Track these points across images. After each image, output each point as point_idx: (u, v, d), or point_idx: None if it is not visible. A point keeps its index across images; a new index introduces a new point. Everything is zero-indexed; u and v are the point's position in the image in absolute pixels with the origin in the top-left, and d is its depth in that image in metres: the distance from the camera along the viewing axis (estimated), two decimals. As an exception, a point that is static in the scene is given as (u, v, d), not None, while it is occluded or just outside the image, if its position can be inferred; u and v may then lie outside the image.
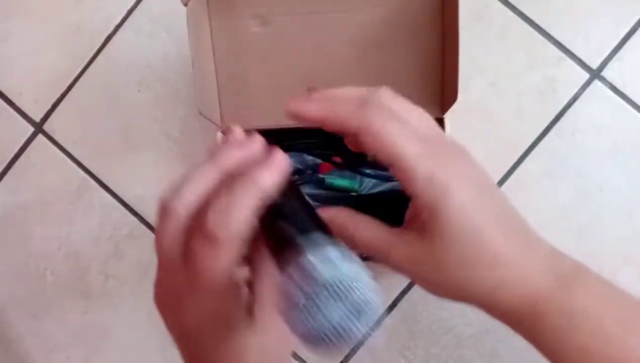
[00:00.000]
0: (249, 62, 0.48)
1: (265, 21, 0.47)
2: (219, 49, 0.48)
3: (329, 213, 0.27)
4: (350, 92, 0.28)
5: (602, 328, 0.26)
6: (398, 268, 0.27)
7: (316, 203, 0.48)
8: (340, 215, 0.28)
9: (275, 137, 0.49)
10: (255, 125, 0.49)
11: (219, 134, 0.48)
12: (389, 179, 0.48)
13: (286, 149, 0.47)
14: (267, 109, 0.48)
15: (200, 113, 0.45)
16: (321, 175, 0.47)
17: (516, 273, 0.26)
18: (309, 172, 0.49)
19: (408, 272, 0.27)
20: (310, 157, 0.49)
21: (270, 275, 0.28)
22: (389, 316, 0.54)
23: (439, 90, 0.47)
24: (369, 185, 0.48)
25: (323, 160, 0.49)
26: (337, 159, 0.49)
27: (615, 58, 0.53)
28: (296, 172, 0.48)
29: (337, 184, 0.46)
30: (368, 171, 0.48)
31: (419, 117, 0.27)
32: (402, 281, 0.54)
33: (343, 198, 0.46)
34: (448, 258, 0.26)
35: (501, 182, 0.54)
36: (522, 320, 0.28)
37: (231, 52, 0.48)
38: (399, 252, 0.26)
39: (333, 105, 0.27)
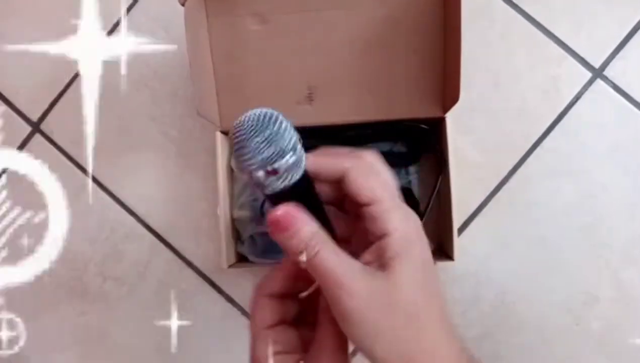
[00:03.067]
0: (248, 61, 0.48)
1: (263, 19, 0.47)
2: (217, 47, 0.48)
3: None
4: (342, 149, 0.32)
5: None
6: (340, 299, 0.29)
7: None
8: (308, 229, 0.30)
9: None
10: None
11: (218, 134, 0.48)
12: None
13: None
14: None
15: (199, 113, 0.45)
16: None
17: (422, 356, 0.30)
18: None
19: (345, 302, 0.29)
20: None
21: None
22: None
23: (441, 90, 0.47)
24: None
25: None
26: None
27: (617, 57, 0.53)
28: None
29: None
30: None
31: (393, 178, 0.32)
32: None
33: None
34: (396, 299, 0.29)
35: (504, 181, 0.53)
36: None
37: (229, 51, 0.48)
38: (355, 282, 0.29)
39: (329, 155, 0.31)
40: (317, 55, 0.47)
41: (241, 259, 0.52)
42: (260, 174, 0.28)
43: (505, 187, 0.53)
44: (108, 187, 0.58)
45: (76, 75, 0.59)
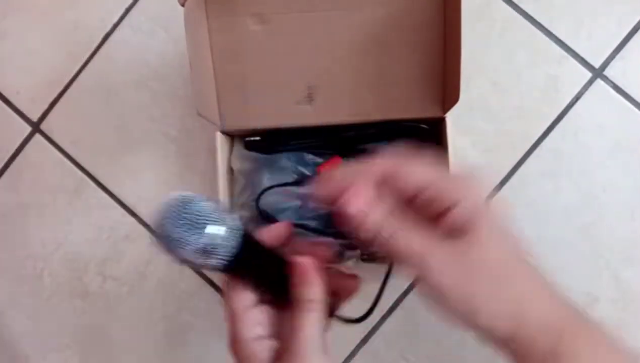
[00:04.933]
0: (248, 61, 0.48)
1: (263, 19, 0.47)
2: (217, 47, 0.48)
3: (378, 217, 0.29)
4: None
5: None
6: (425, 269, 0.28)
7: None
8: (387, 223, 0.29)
9: (274, 137, 0.49)
10: (255, 125, 0.48)
11: (218, 134, 0.48)
12: None
13: (286, 149, 0.46)
14: (266, 108, 0.48)
15: (198, 113, 0.45)
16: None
17: (530, 313, 0.29)
18: (309, 174, 0.48)
19: (431, 271, 0.28)
20: (310, 156, 0.49)
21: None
22: (389, 318, 0.54)
23: (441, 90, 0.47)
24: None
25: (323, 159, 0.48)
26: (338, 159, 0.48)
27: (617, 57, 0.53)
28: (299, 178, 0.48)
29: None
30: None
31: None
32: (402, 282, 0.54)
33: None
34: (486, 260, 0.28)
35: (504, 182, 0.53)
36: (514, 353, 0.30)
37: (229, 51, 0.48)
38: (439, 257, 0.28)
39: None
40: (317, 55, 0.47)
41: None
42: (190, 257, 0.28)
43: (505, 187, 0.53)
44: (108, 187, 0.58)
45: (76, 75, 0.59)
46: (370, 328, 0.54)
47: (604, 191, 0.53)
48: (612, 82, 0.53)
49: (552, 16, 0.54)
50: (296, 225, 0.47)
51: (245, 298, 0.33)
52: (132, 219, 0.57)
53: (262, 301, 0.33)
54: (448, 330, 0.54)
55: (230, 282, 0.33)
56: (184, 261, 0.28)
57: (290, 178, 0.48)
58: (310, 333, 0.31)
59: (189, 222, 0.27)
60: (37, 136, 0.59)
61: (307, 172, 0.49)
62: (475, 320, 0.28)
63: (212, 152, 0.56)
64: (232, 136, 0.51)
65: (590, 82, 0.53)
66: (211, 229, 0.27)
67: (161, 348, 0.57)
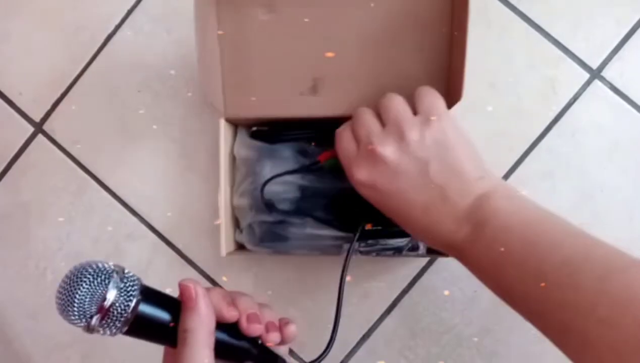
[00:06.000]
0: (254, 50, 0.48)
1: (273, 9, 0.47)
2: (225, 35, 0.48)
3: None
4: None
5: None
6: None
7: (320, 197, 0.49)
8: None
9: (278, 127, 0.49)
10: (258, 114, 0.48)
11: (222, 121, 0.48)
12: None
13: (289, 139, 0.46)
14: (271, 98, 0.48)
15: (206, 99, 0.45)
16: (322, 163, 0.48)
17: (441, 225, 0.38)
18: (309, 162, 0.49)
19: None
20: (312, 147, 0.50)
21: None
22: (389, 316, 0.55)
23: (445, 87, 0.47)
24: None
25: (323, 149, 0.49)
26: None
27: (615, 58, 0.53)
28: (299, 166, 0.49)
29: (335, 166, 0.47)
30: None
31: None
32: (403, 281, 0.54)
33: (344, 189, 0.46)
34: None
35: (501, 182, 0.54)
36: (453, 254, 0.39)
37: (237, 39, 0.48)
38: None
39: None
40: (323, 47, 0.48)
41: (240, 248, 0.52)
42: (92, 323, 0.30)
43: (503, 187, 0.54)
44: (110, 187, 0.58)
45: (79, 76, 0.59)
46: (370, 326, 0.55)
47: (601, 191, 0.53)
48: (609, 83, 0.53)
49: (549, 17, 0.54)
50: (304, 214, 0.48)
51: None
52: (134, 219, 0.58)
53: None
54: (447, 328, 0.54)
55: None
56: (88, 329, 0.31)
57: (292, 168, 0.49)
58: None
59: (79, 314, 0.29)
60: (40, 136, 0.59)
61: (308, 162, 0.49)
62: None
63: (213, 152, 0.57)
64: (235, 125, 0.52)
65: (587, 83, 0.53)
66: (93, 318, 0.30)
67: (162, 348, 0.57)
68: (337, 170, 0.45)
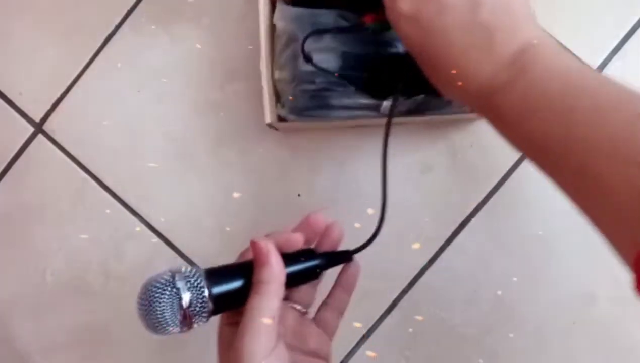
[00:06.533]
0: None
1: None
2: None
3: None
4: None
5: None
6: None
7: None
8: None
9: None
10: None
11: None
12: None
13: (329, 3, 0.47)
14: None
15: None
16: (366, 25, 0.46)
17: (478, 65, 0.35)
18: (350, 25, 0.48)
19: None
20: (350, 14, 0.49)
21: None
22: (389, 316, 0.55)
23: None
24: None
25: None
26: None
27: (616, 57, 0.53)
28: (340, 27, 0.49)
29: (382, 28, 0.46)
30: None
31: None
32: (402, 281, 0.55)
33: (389, 55, 0.47)
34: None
35: (501, 182, 0.54)
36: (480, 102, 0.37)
37: None
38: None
39: None
40: None
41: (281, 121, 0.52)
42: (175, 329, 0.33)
43: (504, 187, 0.54)
44: (110, 187, 0.58)
45: (79, 76, 0.59)
46: (369, 326, 0.55)
47: (601, 191, 0.53)
48: (610, 83, 0.53)
49: (549, 17, 0.53)
50: (339, 75, 0.47)
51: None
52: (134, 219, 0.58)
53: None
54: (447, 328, 0.54)
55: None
56: (185, 329, 0.34)
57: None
58: (254, 314, 0.34)
59: (158, 322, 0.33)
60: (40, 136, 0.59)
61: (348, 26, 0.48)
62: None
63: (213, 153, 0.57)
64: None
65: (588, 83, 0.53)
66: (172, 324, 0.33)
67: (162, 346, 0.57)
68: (381, 35, 0.45)
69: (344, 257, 0.42)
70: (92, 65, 0.59)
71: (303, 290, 0.41)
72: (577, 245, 0.53)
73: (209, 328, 0.56)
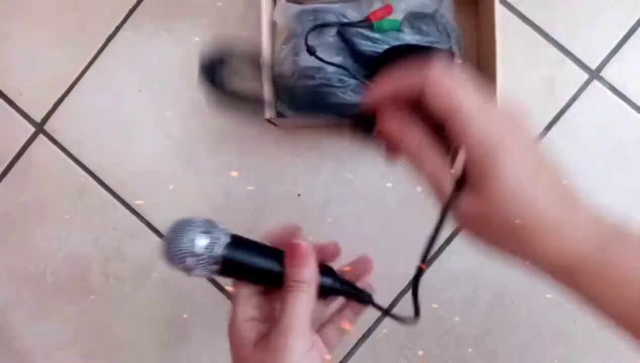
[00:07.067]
0: None
1: None
2: None
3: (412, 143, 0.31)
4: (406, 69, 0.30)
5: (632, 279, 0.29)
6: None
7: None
8: (415, 142, 0.30)
9: None
10: None
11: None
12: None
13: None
14: None
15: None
16: (371, 22, 0.48)
17: (563, 239, 0.29)
18: (359, 21, 0.49)
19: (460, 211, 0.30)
20: (350, 10, 0.50)
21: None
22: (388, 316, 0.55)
23: None
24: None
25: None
26: (389, 7, 0.50)
27: (614, 58, 0.54)
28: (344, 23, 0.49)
29: (385, 27, 0.48)
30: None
31: (470, 77, 0.29)
32: (401, 282, 0.55)
33: (391, 49, 0.47)
34: (497, 217, 0.28)
35: (501, 182, 0.54)
36: (563, 276, 0.31)
37: None
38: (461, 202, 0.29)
39: (396, 77, 0.30)
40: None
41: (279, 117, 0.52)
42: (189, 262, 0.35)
43: (503, 187, 0.54)
44: (111, 187, 0.58)
45: (80, 77, 0.59)
46: (369, 326, 0.55)
47: (600, 191, 0.53)
48: (608, 83, 0.54)
49: (548, 18, 0.54)
50: (338, 66, 0.48)
51: (246, 288, 0.38)
52: (134, 219, 0.58)
53: (261, 290, 0.38)
54: (447, 328, 0.54)
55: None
56: (187, 269, 0.35)
57: (334, 27, 0.49)
58: (297, 312, 0.35)
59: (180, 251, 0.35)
60: (41, 136, 0.59)
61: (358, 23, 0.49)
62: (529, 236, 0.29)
63: (214, 153, 0.57)
64: None
65: (587, 84, 0.54)
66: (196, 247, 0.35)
67: (163, 346, 0.57)
68: (385, 32, 0.46)
69: (364, 299, 0.41)
70: (93, 65, 0.59)
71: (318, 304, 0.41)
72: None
73: (209, 328, 0.57)
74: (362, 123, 0.33)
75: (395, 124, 0.31)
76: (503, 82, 0.54)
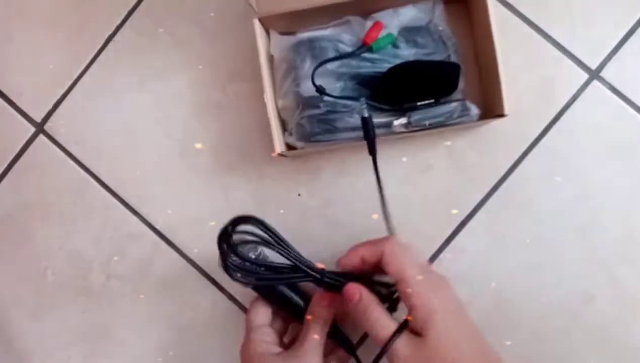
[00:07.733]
0: None
1: None
2: None
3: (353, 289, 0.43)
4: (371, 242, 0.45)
5: None
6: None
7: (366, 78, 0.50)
8: (362, 293, 0.43)
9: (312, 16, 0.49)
10: (290, 7, 0.48)
11: (256, 21, 0.48)
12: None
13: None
14: None
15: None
16: (369, 45, 0.48)
17: None
18: (350, 49, 0.49)
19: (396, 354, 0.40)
20: (345, 35, 0.50)
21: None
22: (388, 315, 0.55)
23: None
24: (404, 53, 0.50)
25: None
26: (379, 25, 0.50)
27: (614, 58, 0.54)
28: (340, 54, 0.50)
29: (383, 45, 0.49)
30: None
31: (416, 251, 0.43)
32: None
33: (394, 67, 0.48)
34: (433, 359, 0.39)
35: (500, 183, 0.54)
36: None
37: None
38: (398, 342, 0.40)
39: (363, 248, 0.44)
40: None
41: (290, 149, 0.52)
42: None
43: (502, 188, 0.54)
44: (111, 187, 0.58)
45: (80, 77, 0.59)
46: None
47: (600, 191, 0.53)
48: (608, 83, 0.54)
49: (548, 17, 0.54)
50: (347, 98, 0.49)
51: (263, 315, 0.47)
52: (135, 219, 0.58)
53: (278, 315, 0.48)
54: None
55: (256, 298, 0.48)
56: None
57: (332, 55, 0.49)
58: (315, 340, 0.43)
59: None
60: (41, 137, 0.60)
61: (348, 49, 0.50)
62: None
63: (213, 153, 0.57)
64: (267, 29, 0.52)
65: (586, 84, 0.54)
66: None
67: (163, 346, 0.57)
68: (384, 49, 0.48)
69: (347, 344, 0.49)
70: (93, 65, 0.59)
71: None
72: (577, 245, 0.53)
73: (209, 328, 0.57)
74: (333, 287, 0.44)
75: (357, 286, 0.43)
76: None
